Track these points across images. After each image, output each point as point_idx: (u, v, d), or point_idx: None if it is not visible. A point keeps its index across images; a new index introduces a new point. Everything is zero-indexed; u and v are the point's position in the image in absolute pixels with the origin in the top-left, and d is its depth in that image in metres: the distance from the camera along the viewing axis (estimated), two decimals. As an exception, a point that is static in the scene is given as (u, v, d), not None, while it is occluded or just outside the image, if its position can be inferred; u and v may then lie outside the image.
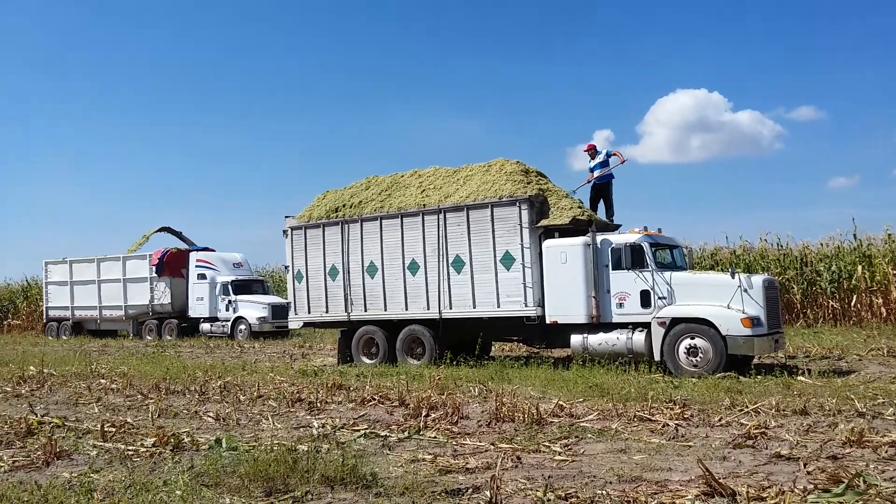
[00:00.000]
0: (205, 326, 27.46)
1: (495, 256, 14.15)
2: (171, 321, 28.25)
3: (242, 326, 26.38)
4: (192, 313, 28.01)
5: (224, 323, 26.95)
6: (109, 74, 73.17)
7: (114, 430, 8.32)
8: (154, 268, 28.35)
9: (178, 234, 31.73)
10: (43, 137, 75.37)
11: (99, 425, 8.49)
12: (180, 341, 25.88)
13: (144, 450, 7.40)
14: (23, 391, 12.35)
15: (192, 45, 73.77)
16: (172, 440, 7.61)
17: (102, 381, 13.20)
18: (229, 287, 27.05)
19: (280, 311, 25.49)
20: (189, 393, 11.51)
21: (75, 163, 74.22)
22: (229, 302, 26.90)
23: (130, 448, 7.47)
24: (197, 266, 28.15)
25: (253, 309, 26.41)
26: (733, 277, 12.29)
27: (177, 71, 72.65)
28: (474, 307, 14.41)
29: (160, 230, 31.74)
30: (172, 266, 28.37)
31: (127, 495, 5.59)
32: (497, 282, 14.09)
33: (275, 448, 6.77)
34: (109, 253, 30.64)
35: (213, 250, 29.41)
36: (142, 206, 71.04)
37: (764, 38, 61.58)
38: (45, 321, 32.82)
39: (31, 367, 15.17)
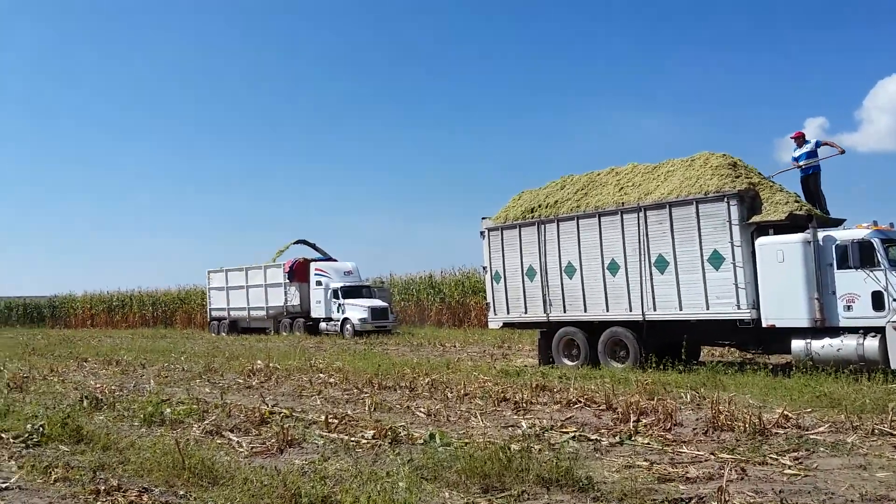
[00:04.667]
0: (322, 325, 31.52)
1: (702, 255, 13.46)
2: (299, 320, 32.66)
3: (349, 326, 30.04)
4: (312, 314, 32.29)
5: (336, 322, 30.76)
6: (291, 82, 78.55)
7: (336, 421, 8.88)
8: (286, 275, 33.10)
9: (313, 246, 35.50)
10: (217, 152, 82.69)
11: (323, 417, 9.13)
12: (316, 337, 29.69)
13: (366, 441, 7.83)
14: (253, 383, 13.56)
15: (382, 53, 77.47)
16: (390, 433, 8.00)
17: (321, 375, 14.18)
18: (339, 292, 30.92)
19: (379, 313, 30.02)
20: (399, 388, 12.04)
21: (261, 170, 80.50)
22: (339, 305, 30.78)
23: (353, 439, 7.95)
24: (315, 274, 32.46)
25: (356, 311, 30.13)
26: None
27: (366, 80, 76.63)
28: (680, 309, 13.80)
29: (296, 242, 35.70)
30: (300, 273, 32.94)
31: (355, 484, 5.93)
32: (705, 282, 13.40)
33: (488, 446, 6.88)
34: (255, 263, 35.62)
35: (336, 260, 33.87)
36: (336, 212, 75.73)
37: None
38: (208, 320, 38.42)
39: (259, 362, 16.61)
